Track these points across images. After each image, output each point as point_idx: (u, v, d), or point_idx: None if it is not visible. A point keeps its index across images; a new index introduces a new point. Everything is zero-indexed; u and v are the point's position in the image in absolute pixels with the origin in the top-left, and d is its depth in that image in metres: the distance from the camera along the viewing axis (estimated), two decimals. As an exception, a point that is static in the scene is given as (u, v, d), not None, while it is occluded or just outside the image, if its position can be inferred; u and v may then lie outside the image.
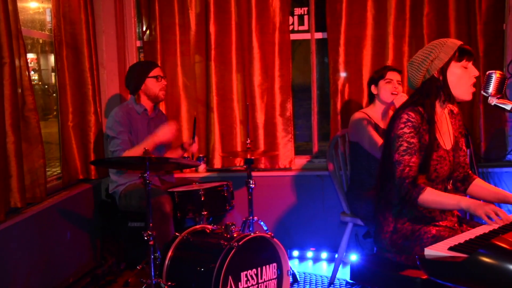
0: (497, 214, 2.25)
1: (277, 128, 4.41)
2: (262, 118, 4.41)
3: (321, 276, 4.03)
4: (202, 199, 3.59)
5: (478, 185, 2.68)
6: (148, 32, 4.50)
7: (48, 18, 4.11)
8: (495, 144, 4.26)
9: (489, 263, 1.78)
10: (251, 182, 3.80)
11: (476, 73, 2.49)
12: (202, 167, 4.51)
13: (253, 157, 3.77)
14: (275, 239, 3.20)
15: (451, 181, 2.64)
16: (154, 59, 4.41)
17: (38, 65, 5.53)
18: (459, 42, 2.48)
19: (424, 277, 2.32)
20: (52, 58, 4.14)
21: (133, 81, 3.84)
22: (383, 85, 3.63)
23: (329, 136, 4.36)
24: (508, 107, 2.45)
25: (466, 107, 4.20)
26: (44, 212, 3.49)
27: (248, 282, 3.09)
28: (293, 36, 4.47)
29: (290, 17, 4.44)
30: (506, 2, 4.18)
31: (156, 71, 3.86)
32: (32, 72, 4.39)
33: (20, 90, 3.24)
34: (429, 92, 2.49)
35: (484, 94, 2.46)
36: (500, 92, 2.43)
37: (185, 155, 4.15)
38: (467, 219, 2.70)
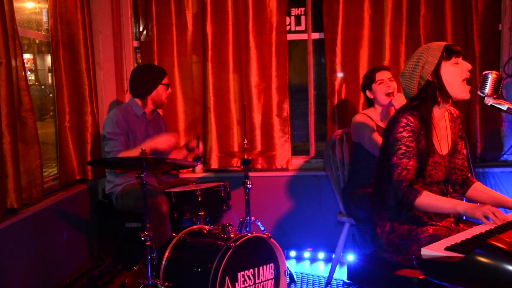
0: (494, 214, 2.25)
1: (274, 129, 4.41)
2: (259, 119, 4.41)
3: (318, 276, 4.03)
4: (199, 199, 3.59)
5: (478, 188, 2.68)
6: (145, 32, 4.49)
7: (44, 18, 4.11)
8: (491, 144, 4.27)
9: (485, 263, 1.78)
10: (248, 182, 3.80)
11: (469, 66, 2.50)
12: (199, 167, 4.51)
13: (250, 158, 3.77)
14: (272, 240, 3.20)
15: (449, 185, 2.65)
16: (151, 60, 4.41)
17: (35, 66, 5.52)
18: (443, 43, 2.50)
19: (421, 277, 2.32)
20: (48, 58, 4.13)
21: (145, 85, 3.81)
22: (376, 87, 3.63)
23: (326, 137, 4.37)
24: (504, 108, 2.45)
25: (463, 108, 4.21)
26: (40, 212, 3.49)
27: (245, 282, 3.09)
28: (290, 37, 4.47)
29: (287, 18, 4.44)
30: (502, 3, 4.19)
31: (167, 79, 3.89)
32: (28, 73, 4.39)
33: (16, 91, 3.24)
34: (426, 97, 2.49)
35: (481, 94, 2.47)
36: (496, 92, 2.44)
37: (189, 158, 4.14)
38: (464, 219, 2.70)
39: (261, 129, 4.42)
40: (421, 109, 2.49)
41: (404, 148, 2.44)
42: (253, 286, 3.13)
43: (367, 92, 3.68)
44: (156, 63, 4.39)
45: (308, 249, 4.46)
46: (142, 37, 4.52)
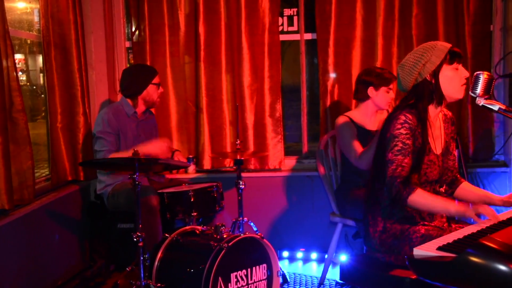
0: (486, 210, 2.26)
1: (266, 129, 4.41)
2: (251, 119, 4.40)
3: (311, 276, 4.04)
4: (192, 200, 3.58)
5: (465, 188, 2.70)
6: (137, 32, 4.48)
7: (36, 18, 4.09)
8: (483, 145, 4.29)
9: (477, 263, 1.79)
10: (241, 183, 3.80)
11: (467, 74, 2.52)
12: (191, 168, 4.50)
13: (242, 158, 3.77)
14: (265, 240, 3.20)
15: (444, 185, 2.66)
16: (143, 60, 4.40)
17: (26, 66, 5.50)
18: (448, 45, 2.50)
19: (413, 277, 2.33)
20: (40, 58, 4.11)
21: (135, 85, 3.81)
22: (383, 92, 3.58)
23: (318, 137, 4.37)
24: (495, 108, 2.46)
25: (455, 108, 4.23)
26: (32, 214, 3.47)
27: (238, 283, 3.09)
28: (283, 37, 4.48)
29: (280, 18, 4.44)
30: (493, 4, 4.22)
31: (157, 78, 3.87)
32: (20, 73, 4.36)
33: (7, 91, 3.22)
34: (421, 95, 2.50)
35: (472, 95, 2.48)
36: (488, 92, 2.45)
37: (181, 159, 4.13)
38: (456, 219, 2.71)
39: (254, 129, 4.42)
40: (417, 107, 2.49)
41: (400, 145, 2.44)
42: (246, 286, 3.13)
43: (370, 89, 3.61)
44: (148, 63, 4.38)
45: (301, 249, 4.46)
46: (134, 37, 4.51)
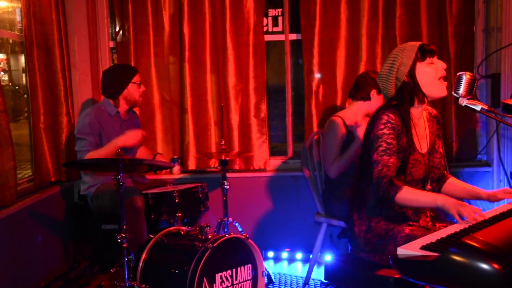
0: (467, 213, 2.28)
1: (251, 129, 4.41)
2: (236, 119, 4.40)
3: (296, 276, 4.04)
4: (177, 200, 3.57)
5: (452, 183, 2.73)
6: (121, 32, 4.45)
7: (18, 17, 4.04)
8: (467, 144, 4.33)
9: (460, 262, 1.80)
10: (226, 183, 3.79)
11: (444, 65, 2.54)
12: (176, 168, 4.48)
13: (227, 158, 3.76)
14: (250, 240, 3.20)
15: (429, 182, 2.68)
16: (128, 60, 4.37)
17: (8, 66, 5.43)
18: (417, 43, 2.53)
19: (397, 276, 2.34)
20: (22, 58, 4.07)
21: (114, 85, 3.78)
22: (382, 99, 3.57)
23: (303, 137, 4.38)
24: (478, 108, 2.48)
25: (438, 108, 4.26)
26: (14, 215, 3.43)
27: (223, 283, 3.08)
28: (268, 37, 4.48)
29: (265, 18, 4.44)
30: (476, 5, 4.26)
31: (138, 77, 3.84)
32: (2, 73, 4.32)
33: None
34: (403, 98, 2.52)
35: (455, 95, 2.50)
36: (471, 93, 2.47)
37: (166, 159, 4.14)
38: (441, 218, 2.73)
39: (239, 130, 4.42)
40: (399, 109, 2.51)
41: (384, 145, 2.45)
42: (231, 287, 3.13)
43: (373, 92, 3.60)
44: (132, 63, 4.36)
45: (286, 249, 4.47)
46: (118, 37, 4.48)
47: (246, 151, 4.37)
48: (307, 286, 3.83)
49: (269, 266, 4.30)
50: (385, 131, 2.46)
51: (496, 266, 1.75)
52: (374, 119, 2.52)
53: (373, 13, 4.23)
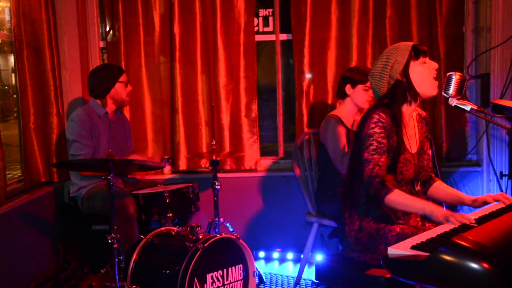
0: (456, 220, 2.28)
1: (242, 129, 4.41)
2: (227, 119, 4.40)
3: (287, 276, 4.04)
4: (167, 201, 3.56)
5: (437, 187, 2.74)
6: (111, 32, 4.43)
7: (7, 17, 4.02)
8: (456, 144, 4.35)
9: (450, 261, 1.81)
10: (216, 183, 3.79)
11: (436, 65, 2.56)
12: (167, 168, 4.48)
13: (218, 159, 3.76)
14: (241, 240, 3.20)
15: (418, 183, 2.69)
16: (118, 60, 4.36)
17: (-3, 66, 5.40)
18: (411, 43, 2.55)
19: (387, 276, 2.35)
20: (12, 58, 4.05)
21: (102, 85, 3.76)
22: (361, 90, 3.60)
23: (294, 137, 4.38)
24: (467, 108, 2.50)
25: (429, 108, 4.28)
26: (4, 216, 3.41)
27: (214, 283, 3.08)
28: (258, 37, 4.48)
29: (255, 19, 4.44)
30: (465, 6, 4.28)
31: (124, 76, 3.83)
32: (-9, 73, 4.28)
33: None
34: (395, 96, 2.53)
35: (445, 95, 2.51)
36: (460, 93, 2.48)
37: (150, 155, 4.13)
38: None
39: (230, 130, 4.41)
40: (391, 107, 2.52)
41: (375, 144, 2.47)
42: (222, 287, 3.12)
43: (348, 86, 3.63)
44: (123, 63, 4.34)
45: (277, 249, 4.47)
46: (108, 37, 4.46)
47: (237, 151, 4.37)
48: (298, 286, 3.83)
49: (260, 266, 4.29)
50: (376, 130, 2.47)
51: (485, 265, 1.76)
52: (365, 118, 2.53)
53: (363, 13, 4.24)
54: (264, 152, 4.65)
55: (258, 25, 4.51)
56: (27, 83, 3.81)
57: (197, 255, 2.94)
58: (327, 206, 3.68)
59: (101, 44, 4.55)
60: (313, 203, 3.80)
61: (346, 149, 3.52)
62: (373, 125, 2.48)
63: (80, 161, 3.50)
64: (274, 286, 3.86)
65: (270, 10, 4.50)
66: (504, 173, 4.00)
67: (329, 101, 4.29)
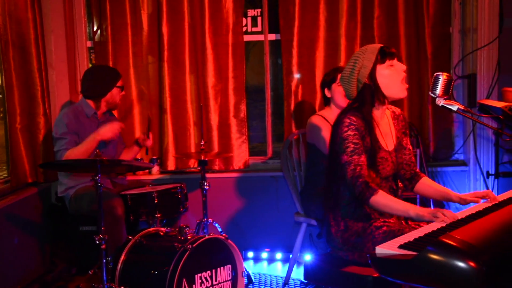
0: (443, 214, 2.30)
1: (231, 130, 4.41)
2: (216, 120, 4.39)
3: (275, 276, 4.05)
4: (156, 201, 3.55)
5: (425, 183, 2.76)
6: (99, 32, 4.41)
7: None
8: (443, 144, 4.39)
9: (437, 260, 1.82)
10: (205, 183, 3.78)
11: (403, 67, 2.58)
12: (155, 169, 4.46)
13: (207, 159, 3.75)
14: (229, 241, 3.20)
15: (398, 180, 2.71)
16: (106, 60, 4.34)
17: (-17, 65, 5.34)
18: (378, 46, 2.57)
19: (375, 275, 2.36)
20: (-2, 58, 4.01)
21: (99, 87, 3.73)
22: (336, 88, 3.65)
23: (283, 137, 4.39)
24: (454, 108, 2.51)
25: (416, 108, 4.31)
26: (-10, 217, 3.38)
27: (202, 284, 3.07)
28: (247, 38, 4.48)
29: (244, 19, 4.44)
30: (452, 6, 4.31)
31: (121, 81, 3.81)
32: (-24, 73, 4.24)
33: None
34: (364, 99, 2.56)
35: (432, 95, 2.53)
36: (447, 93, 2.50)
37: (139, 157, 4.11)
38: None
39: (218, 130, 4.41)
40: (361, 110, 2.55)
41: (352, 145, 2.49)
42: (211, 287, 3.12)
43: (326, 91, 3.70)
44: (111, 63, 4.32)
45: (266, 249, 4.47)
46: (96, 37, 4.44)
47: (226, 151, 4.36)
48: (287, 286, 3.83)
49: (249, 266, 4.30)
50: (350, 132, 2.50)
51: (472, 264, 1.77)
52: (336, 123, 2.57)
53: (351, 14, 4.25)
54: (252, 152, 4.65)
55: (246, 25, 4.51)
56: (13, 83, 3.78)
57: (186, 255, 2.94)
58: (311, 206, 3.68)
59: (89, 43, 4.52)
60: (301, 203, 3.81)
61: None
62: (346, 129, 2.51)
63: (67, 161, 3.48)
64: (263, 286, 3.86)
65: (259, 10, 4.50)
66: (490, 172, 4.04)
67: (318, 101, 4.30)
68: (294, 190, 3.81)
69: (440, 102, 2.52)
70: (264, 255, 4.47)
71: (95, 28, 4.44)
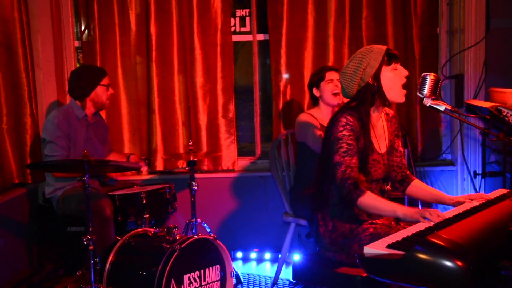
0: (430, 214, 2.32)
1: (220, 130, 4.40)
2: (204, 120, 4.38)
3: (264, 276, 4.05)
4: (144, 202, 3.53)
5: (416, 186, 2.76)
6: (86, 32, 4.38)
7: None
8: (431, 144, 4.41)
9: (424, 259, 1.83)
10: (194, 184, 3.77)
11: (406, 72, 2.58)
12: (144, 169, 4.43)
13: (195, 159, 3.74)
14: (218, 241, 3.19)
15: (389, 183, 2.72)
16: (94, 60, 4.31)
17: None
18: (384, 47, 2.57)
19: (364, 275, 2.37)
20: (-16, 58, 3.97)
21: (82, 86, 3.70)
22: (324, 86, 3.67)
23: (271, 137, 4.39)
24: (442, 108, 2.53)
25: (404, 109, 4.33)
26: (-24, 218, 3.35)
27: (191, 284, 3.06)
28: (235, 38, 4.47)
29: (232, 19, 4.43)
30: (440, 7, 4.34)
31: (106, 79, 3.78)
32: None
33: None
34: (364, 99, 2.56)
35: (420, 95, 2.54)
36: (435, 93, 2.51)
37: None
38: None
39: (207, 130, 4.40)
40: (359, 110, 2.55)
41: (345, 146, 2.49)
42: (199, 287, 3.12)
43: (314, 90, 3.71)
44: (98, 63, 4.30)
45: (255, 249, 4.47)
46: (84, 37, 4.41)
47: (214, 151, 4.36)
48: (275, 286, 3.83)
49: (238, 266, 4.29)
50: (345, 132, 2.50)
51: (459, 263, 1.78)
52: (332, 121, 2.56)
53: (340, 14, 4.26)
54: (241, 152, 4.65)
55: (235, 25, 4.50)
56: (-1, 83, 3.75)
57: (174, 256, 2.93)
58: (299, 206, 3.69)
59: (76, 43, 4.49)
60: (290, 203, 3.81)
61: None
62: (341, 128, 2.50)
63: (54, 162, 3.46)
64: (252, 287, 3.86)
65: (247, 10, 4.49)
66: (477, 172, 4.07)
67: (306, 101, 4.31)
68: (282, 190, 3.82)
69: (428, 102, 2.53)
70: (253, 255, 4.47)
71: (82, 28, 4.42)
